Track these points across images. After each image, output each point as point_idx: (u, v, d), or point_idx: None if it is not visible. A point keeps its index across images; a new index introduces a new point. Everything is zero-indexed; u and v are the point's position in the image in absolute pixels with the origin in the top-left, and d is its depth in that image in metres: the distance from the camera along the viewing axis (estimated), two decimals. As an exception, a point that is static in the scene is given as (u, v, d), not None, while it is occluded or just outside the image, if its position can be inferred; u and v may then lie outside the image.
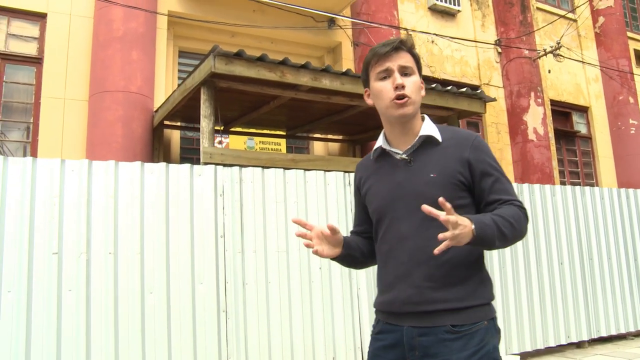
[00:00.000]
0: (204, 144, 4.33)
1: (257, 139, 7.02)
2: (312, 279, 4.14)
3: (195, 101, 4.77)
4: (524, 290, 5.18)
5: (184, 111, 5.48)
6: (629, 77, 10.50)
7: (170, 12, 6.35)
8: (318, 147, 7.53)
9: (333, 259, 1.59)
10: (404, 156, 1.55)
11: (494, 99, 6.17)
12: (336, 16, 7.23)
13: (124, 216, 3.54)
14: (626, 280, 5.97)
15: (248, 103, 5.46)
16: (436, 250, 1.29)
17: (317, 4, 6.83)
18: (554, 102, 9.74)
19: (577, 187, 5.89)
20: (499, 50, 9.17)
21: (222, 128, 6.16)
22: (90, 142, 5.50)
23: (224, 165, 4.07)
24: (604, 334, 5.65)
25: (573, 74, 10.28)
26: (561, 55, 9.14)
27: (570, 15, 10.36)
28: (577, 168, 10.09)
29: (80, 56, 5.82)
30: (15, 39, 5.73)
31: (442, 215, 1.27)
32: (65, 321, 3.24)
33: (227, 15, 6.66)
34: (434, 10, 8.64)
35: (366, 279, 4.37)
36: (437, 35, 8.28)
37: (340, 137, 7.42)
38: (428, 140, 1.55)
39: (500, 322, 4.92)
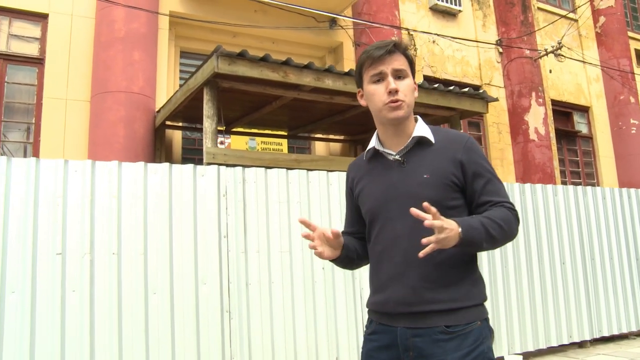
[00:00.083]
0: (207, 144, 4.33)
1: (259, 139, 7.01)
2: (315, 279, 4.14)
3: (197, 101, 4.77)
4: (526, 290, 5.18)
5: (186, 111, 5.48)
6: (629, 76, 10.51)
7: (171, 12, 6.35)
8: (320, 148, 7.53)
9: (331, 260, 1.60)
10: (397, 157, 1.56)
11: (496, 99, 6.18)
12: (337, 16, 7.23)
13: (128, 216, 3.54)
14: (628, 279, 5.98)
15: (250, 103, 5.46)
16: (421, 254, 1.31)
17: (319, 4, 6.83)
18: (555, 102, 9.75)
19: (579, 187, 5.89)
20: (500, 50, 9.17)
21: (224, 128, 6.16)
22: (92, 143, 5.50)
23: (227, 165, 4.07)
24: (606, 333, 5.66)
25: (574, 73, 10.28)
26: (562, 55, 9.14)
27: (571, 15, 10.37)
28: (578, 168, 10.10)
29: (82, 57, 5.82)
30: (17, 40, 5.72)
31: (428, 219, 1.27)
32: (69, 321, 3.24)
33: (228, 15, 6.66)
34: (435, 10, 8.65)
35: (369, 279, 4.36)
36: (438, 35, 8.28)
37: (342, 137, 7.42)
38: (421, 142, 1.55)
39: (502, 322, 4.94)
